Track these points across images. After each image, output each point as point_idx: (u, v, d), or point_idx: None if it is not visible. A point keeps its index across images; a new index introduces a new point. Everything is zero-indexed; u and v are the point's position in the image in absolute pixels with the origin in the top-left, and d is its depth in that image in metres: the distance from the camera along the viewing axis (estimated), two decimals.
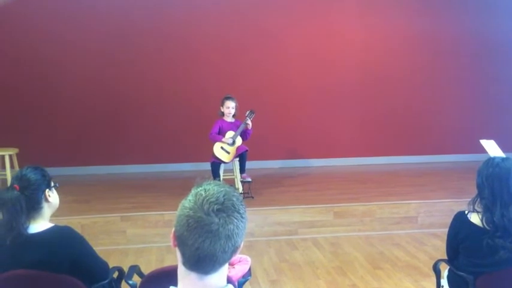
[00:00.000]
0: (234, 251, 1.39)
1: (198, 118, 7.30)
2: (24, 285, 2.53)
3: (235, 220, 1.36)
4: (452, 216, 3.03)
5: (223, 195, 1.36)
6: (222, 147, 5.94)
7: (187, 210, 1.36)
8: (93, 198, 6.18)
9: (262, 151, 7.60)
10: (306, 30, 7.88)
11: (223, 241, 1.34)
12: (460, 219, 2.94)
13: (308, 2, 7.87)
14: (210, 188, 1.38)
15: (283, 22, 7.82)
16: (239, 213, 1.37)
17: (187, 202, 1.37)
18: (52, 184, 2.70)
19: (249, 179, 6.09)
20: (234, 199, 1.38)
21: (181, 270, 1.41)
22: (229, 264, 1.48)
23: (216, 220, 1.33)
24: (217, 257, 1.35)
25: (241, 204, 1.40)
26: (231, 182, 6.01)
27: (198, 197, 1.36)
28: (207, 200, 1.35)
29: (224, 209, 1.35)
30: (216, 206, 1.34)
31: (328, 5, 7.92)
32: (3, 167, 6.31)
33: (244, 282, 3.08)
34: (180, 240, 1.37)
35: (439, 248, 4.92)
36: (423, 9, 8.08)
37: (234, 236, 1.36)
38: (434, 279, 3.28)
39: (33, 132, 7.38)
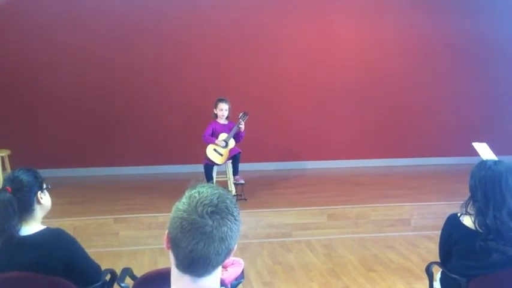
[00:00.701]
0: (228, 253, 1.39)
1: (194, 120, 7.27)
2: (16, 287, 2.51)
3: (229, 222, 1.36)
4: (445, 219, 3.04)
5: (217, 198, 1.37)
6: (215, 149, 5.94)
7: (181, 212, 1.36)
8: (87, 200, 6.16)
9: (256, 153, 7.60)
10: (303, 31, 7.89)
11: (217, 243, 1.34)
12: (453, 221, 2.95)
13: (307, 4, 7.88)
14: (204, 191, 1.38)
15: (280, 23, 7.83)
16: (233, 215, 1.37)
17: (181, 204, 1.37)
18: (44, 186, 2.68)
19: (242, 181, 6.09)
20: (228, 201, 1.38)
21: (175, 273, 1.40)
22: (222, 267, 1.47)
23: (210, 222, 1.33)
24: (211, 259, 1.35)
25: (235, 207, 1.40)
26: (224, 184, 6.01)
27: (191, 199, 1.36)
28: (201, 202, 1.35)
29: (218, 211, 1.35)
30: (209, 208, 1.34)
31: (327, 5, 7.94)
32: None
33: (237, 285, 3.08)
34: (174, 243, 1.36)
35: (432, 251, 4.93)
36: (421, 10, 8.11)
37: (228, 238, 1.36)
38: (427, 281, 3.28)
39: (26, 133, 7.35)
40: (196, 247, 1.33)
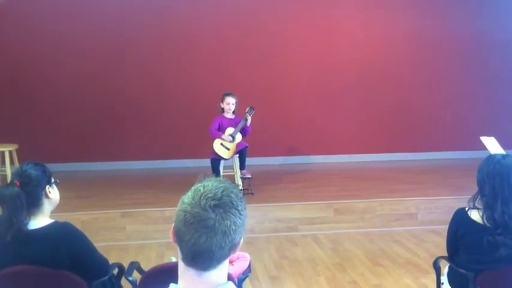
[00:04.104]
0: (232, 247, 1.38)
1: (200, 114, 7.28)
2: (24, 281, 2.53)
3: (233, 216, 1.35)
4: (453, 213, 3.03)
5: (222, 191, 1.36)
6: (221, 144, 5.94)
7: (186, 205, 1.36)
8: (93, 194, 6.18)
9: (263, 148, 7.60)
10: (307, 26, 7.87)
11: (220, 237, 1.33)
12: (460, 216, 2.94)
13: None
14: (209, 184, 1.38)
15: (284, 18, 7.81)
16: (237, 209, 1.37)
17: (187, 198, 1.38)
18: (53, 180, 2.69)
19: (249, 176, 6.10)
20: (233, 195, 1.37)
21: (181, 266, 1.40)
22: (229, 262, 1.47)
23: (213, 215, 1.33)
24: (214, 252, 1.34)
25: (240, 201, 1.39)
26: (231, 179, 6.01)
27: (196, 192, 1.37)
28: (205, 195, 1.35)
29: (221, 204, 1.34)
30: (213, 202, 1.34)
31: (328, 2, 7.91)
32: (3, 163, 6.30)
33: (244, 279, 3.09)
34: (178, 236, 1.37)
35: (439, 245, 4.91)
36: (424, 8, 8.07)
37: (231, 232, 1.35)
38: (434, 276, 3.28)
39: (33, 128, 7.38)
40: (199, 240, 1.32)
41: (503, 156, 2.87)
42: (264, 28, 7.78)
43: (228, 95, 6.06)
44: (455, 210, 3.02)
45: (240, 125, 5.97)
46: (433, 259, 3.27)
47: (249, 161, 6.22)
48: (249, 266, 3.16)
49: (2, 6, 7.16)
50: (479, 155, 3.75)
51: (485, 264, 2.77)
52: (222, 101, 6.05)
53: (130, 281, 2.91)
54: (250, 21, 7.76)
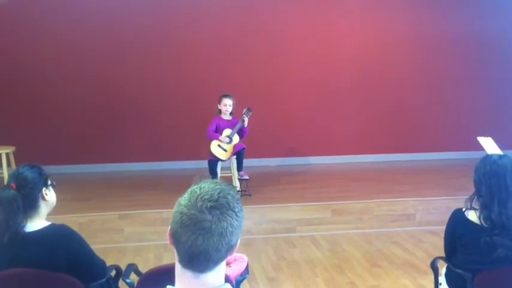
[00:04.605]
0: (229, 249, 1.38)
1: (198, 116, 7.26)
2: (21, 284, 2.52)
3: (229, 218, 1.35)
4: (450, 214, 3.03)
5: (218, 193, 1.36)
6: (219, 145, 5.94)
7: (182, 207, 1.36)
8: (91, 196, 6.17)
9: (261, 149, 7.59)
10: (307, 26, 7.87)
11: (216, 239, 1.33)
12: (458, 216, 2.94)
13: (310, 0, 7.86)
14: (206, 186, 1.38)
15: (284, 18, 7.81)
16: (234, 211, 1.37)
17: (183, 199, 1.38)
18: (49, 182, 2.69)
19: (247, 177, 6.10)
20: (229, 197, 1.37)
21: (178, 268, 1.40)
22: (226, 264, 1.46)
23: (209, 217, 1.33)
24: (211, 254, 1.34)
25: (237, 203, 1.39)
26: (228, 180, 6.01)
27: (192, 194, 1.37)
28: (201, 197, 1.35)
29: (218, 206, 1.34)
30: (209, 204, 1.34)
31: (328, 2, 7.92)
32: (0, 166, 6.29)
33: (241, 281, 3.08)
34: (175, 238, 1.37)
35: (437, 246, 4.90)
36: (424, 8, 8.07)
37: (228, 234, 1.35)
38: (432, 276, 3.28)
39: (31, 130, 7.36)
40: (195, 242, 1.32)
41: (500, 156, 2.87)
42: (264, 28, 7.77)
43: (225, 96, 6.06)
44: (452, 210, 3.02)
45: (237, 126, 5.96)
46: (431, 260, 3.27)
47: (246, 162, 6.22)
48: (247, 267, 3.15)
49: (2, 7, 7.15)
50: (476, 155, 3.74)
51: (483, 265, 2.77)
52: (220, 102, 6.05)
53: (127, 283, 2.90)
54: (250, 21, 7.76)
